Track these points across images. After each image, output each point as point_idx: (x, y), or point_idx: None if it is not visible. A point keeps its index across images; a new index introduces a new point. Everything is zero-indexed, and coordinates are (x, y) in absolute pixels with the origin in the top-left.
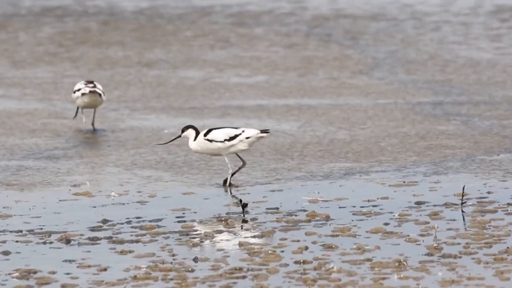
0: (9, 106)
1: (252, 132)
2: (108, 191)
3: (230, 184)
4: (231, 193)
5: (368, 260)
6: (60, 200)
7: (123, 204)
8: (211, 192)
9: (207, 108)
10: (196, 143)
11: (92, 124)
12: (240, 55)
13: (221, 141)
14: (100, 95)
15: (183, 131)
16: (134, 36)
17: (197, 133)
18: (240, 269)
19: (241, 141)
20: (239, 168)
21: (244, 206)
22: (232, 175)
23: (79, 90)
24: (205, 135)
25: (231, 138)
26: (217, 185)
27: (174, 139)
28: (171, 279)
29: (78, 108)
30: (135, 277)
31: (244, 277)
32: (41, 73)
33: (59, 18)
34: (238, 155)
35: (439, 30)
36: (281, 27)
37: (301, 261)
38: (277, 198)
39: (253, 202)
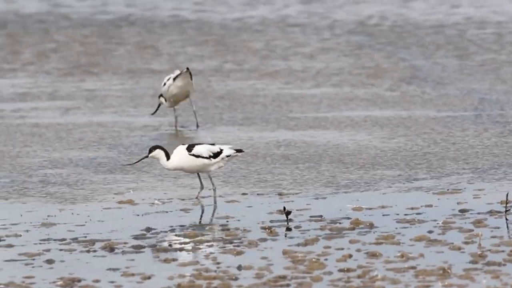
0: (53, 117)
1: (230, 151)
2: (152, 199)
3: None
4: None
5: (412, 268)
6: (104, 209)
7: (167, 212)
8: (254, 200)
9: (274, 120)
10: (176, 161)
11: (195, 117)
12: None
13: (206, 157)
14: (191, 77)
15: (150, 151)
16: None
17: (165, 152)
18: (284, 277)
19: (222, 159)
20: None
21: (288, 213)
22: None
23: (170, 78)
24: (189, 150)
25: (215, 155)
26: (259, 194)
27: (142, 159)
28: (215, 287)
29: (159, 105)
30: (179, 286)
31: (288, 285)
32: (86, 84)
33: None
34: (199, 176)
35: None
36: (346, 36)
37: (345, 269)
38: (321, 206)
39: (297, 210)
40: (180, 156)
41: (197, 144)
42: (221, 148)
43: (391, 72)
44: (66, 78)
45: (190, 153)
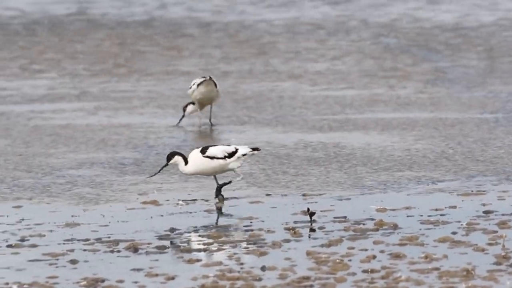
0: (80, 118)
1: (246, 150)
2: (176, 199)
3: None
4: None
5: (436, 269)
6: (128, 209)
7: (190, 212)
8: (278, 201)
9: (294, 121)
10: (192, 165)
11: (210, 120)
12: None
13: (222, 158)
14: (215, 85)
15: (169, 159)
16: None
17: (183, 157)
18: (308, 278)
19: (238, 158)
20: (225, 184)
21: (312, 214)
22: (221, 188)
23: (194, 83)
24: (203, 153)
25: (230, 155)
26: (283, 195)
27: (162, 168)
28: None
29: (183, 116)
30: (202, 286)
31: (311, 286)
32: (113, 85)
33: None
34: (216, 178)
35: None
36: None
37: (369, 270)
38: (345, 207)
39: (321, 211)
40: (195, 159)
41: (210, 146)
42: (236, 148)
43: (417, 74)
44: (93, 79)
45: (204, 155)
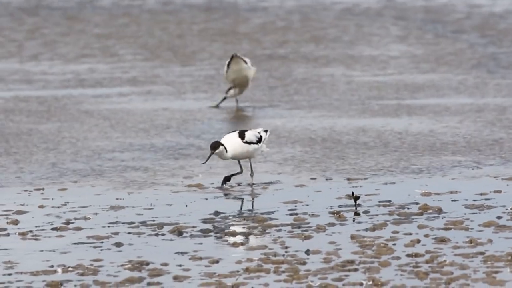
0: (129, 103)
1: (264, 134)
2: (220, 182)
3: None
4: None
5: (481, 253)
6: (172, 192)
7: (235, 196)
8: (323, 185)
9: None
10: (233, 149)
11: (236, 100)
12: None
13: (255, 143)
14: (245, 62)
15: (214, 148)
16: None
17: (223, 146)
18: (352, 262)
19: (263, 142)
20: (236, 174)
21: (356, 199)
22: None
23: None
24: (242, 138)
25: (259, 140)
26: (328, 179)
27: (210, 156)
28: (283, 272)
29: (224, 98)
30: (247, 269)
31: (355, 270)
32: (164, 70)
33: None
34: (239, 162)
35: None
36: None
37: (413, 254)
38: (390, 191)
39: (365, 195)
40: (235, 145)
41: (245, 130)
42: (259, 132)
43: (464, 60)
44: (144, 63)
45: (243, 141)
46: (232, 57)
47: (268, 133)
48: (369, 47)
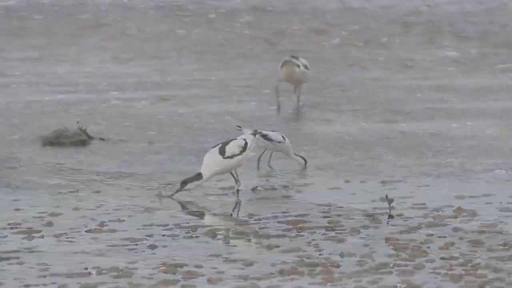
0: (172, 106)
1: (249, 138)
2: (254, 184)
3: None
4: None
5: None
6: (206, 194)
7: (269, 198)
8: (357, 187)
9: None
10: (213, 171)
11: (297, 102)
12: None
13: (238, 154)
14: (297, 66)
15: (182, 184)
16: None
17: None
18: (386, 264)
19: (249, 148)
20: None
21: (391, 201)
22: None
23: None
24: (222, 154)
25: (244, 148)
26: (362, 182)
27: (176, 191)
28: (317, 274)
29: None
30: (281, 272)
31: (390, 272)
32: (215, 73)
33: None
34: (233, 173)
35: None
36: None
37: (448, 257)
38: (424, 194)
39: (400, 198)
40: (215, 162)
41: (227, 143)
42: (244, 138)
43: (502, 62)
44: (180, 67)
45: (224, 157)
46: (285, 61)
47: (257, 136)
48: (403, 50)
